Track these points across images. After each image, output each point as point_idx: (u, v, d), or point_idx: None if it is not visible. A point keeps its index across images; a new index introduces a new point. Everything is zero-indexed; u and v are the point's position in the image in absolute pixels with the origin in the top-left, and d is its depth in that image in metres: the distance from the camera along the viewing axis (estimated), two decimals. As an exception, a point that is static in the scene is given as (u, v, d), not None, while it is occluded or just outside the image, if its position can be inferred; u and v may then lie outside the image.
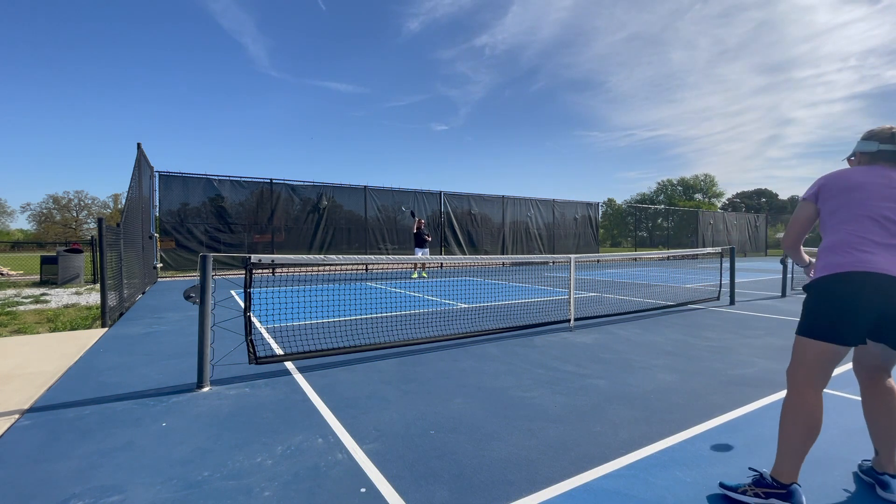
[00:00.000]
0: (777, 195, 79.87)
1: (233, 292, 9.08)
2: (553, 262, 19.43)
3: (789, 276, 9.22)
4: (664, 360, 4.15)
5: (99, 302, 6.50)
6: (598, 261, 19.84)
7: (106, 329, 5.60)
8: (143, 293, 9.30)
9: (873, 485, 2.05)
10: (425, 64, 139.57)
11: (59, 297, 9.06)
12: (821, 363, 1.88)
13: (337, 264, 4.77)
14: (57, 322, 6.17)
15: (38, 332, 5.56)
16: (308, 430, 2.67)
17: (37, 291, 10.18)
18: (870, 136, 2.03)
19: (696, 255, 24.77)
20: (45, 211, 61.85)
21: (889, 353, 1.97)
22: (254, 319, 4.74)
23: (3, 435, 2.63)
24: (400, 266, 17.40)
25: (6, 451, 2.44)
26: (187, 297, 3.48)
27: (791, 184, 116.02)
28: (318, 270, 11.14)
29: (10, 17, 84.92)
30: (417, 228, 12.93)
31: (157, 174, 12.63)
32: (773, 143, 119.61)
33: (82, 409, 3.01)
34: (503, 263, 18.68)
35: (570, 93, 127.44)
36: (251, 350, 3.63)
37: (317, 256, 4.37)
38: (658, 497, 1.98)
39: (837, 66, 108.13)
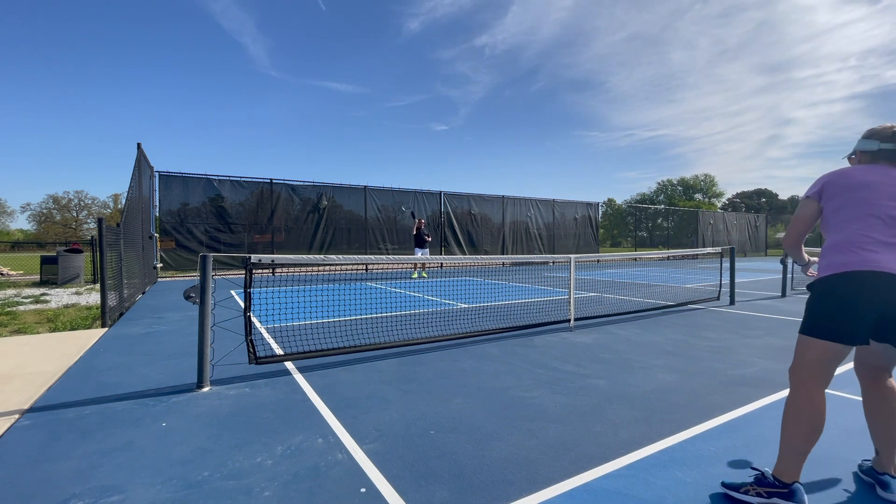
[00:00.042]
0: (777, 195, 79.89)
1: (233, 292, 9.08)
2: (553, 262, 19.43)
3: (789, 276, 9.21)
4: (664, 360, 4.15)
5: (99, 302, 6.50)
6: (598, 261, 19.84)
7: (106, 329, 5.60)
8: (143, 293, 9.30)
9: (873, 485, 2.05)
10: (425, 64, 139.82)
11: (59, 297, 9.06)
12: (824, 362, 1.88)
13: (337, 264, 4.77)
14: (57, 322, 6.17)
15: (38, 332, 5.56)
16: (308, 430, 2.67)
17: (37, 291, 10.18)
18: (871, 135, 2.03)
19: (696, 255, 24.77)
20: (45, 211, 61.86)
21: (892, 352, 1.96)
22: (254, 319, 4.74)
23: (3, 435, 2.63)
24: (400, 266, 17.39)
25: (6, 451, 2.44)
26: (187, 297, 3.48)
27: (791, 184, 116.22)
28: (318, 270, 11.14)
29: (10, 17, 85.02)
30: (417, 229, 12.93)
31: (157, 174, 12.63)
32: (773, 143, 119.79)
33: (82, 409, 3.01)
34: (503, 263, 18.68)
35: (570, 93, 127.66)
36: (251, 350, 3.63)
37: (317, 256, 4.37)
38: (658, 497, 1.98)
39: (837, 66, 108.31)
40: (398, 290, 9.63)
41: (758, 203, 76.99)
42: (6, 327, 5.90)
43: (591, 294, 8.96)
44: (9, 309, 7.40)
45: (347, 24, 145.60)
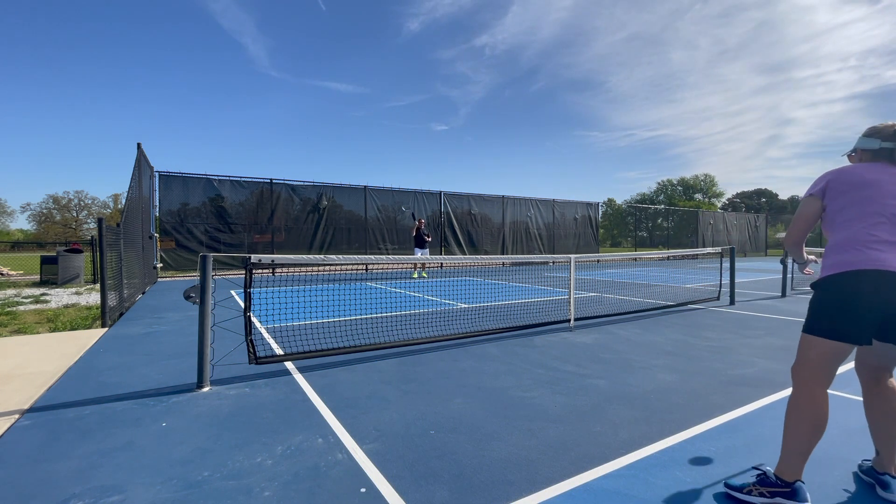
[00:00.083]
0: (777, 195, 79.89)
1: (233, 292, 9.08)
2: (553, 262, 19.43)
3: (789, 276, 9.21)
4: (664, 360, 4.15)
5: (99, 302, 6.50)
6: (598, 261, 19.84)
7: (106, 329, 5.60)
8: (143, 293, 9.30)
9: (873, 485, 2.04)
10: (425, 64, 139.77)
11: (59, 297, 9.06)
12: (827, 361, 1.87)
13: (337, 264, 4.77)
14: (57, 322, 6.17)
15: (38, 332, 5.56)
16: (308, 430, 2.67)
17: (37, 291, 10.18)
18: (872, 133, 2.01)
19: (696, 255, 24.77)
20: (45, 211, 61.87)
21: (893, 352, 1.96)
22: (254, 319, 4.74)
23: (3, 435, 2.63)
24: (400, 266, 17.39)
25: (6, 451, 2.44)
26: (187, 297, 3.48)
27: (791, 184, 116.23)
28: (318, 270, 11.14)
29: (10, 17, 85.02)
30: (417, 229, 12.94)
31: (157, 174, 12.63)
32: (773, 143, 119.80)
33: (82, 409, 3.01)
34: (503, 263, 18.68)
35: (570, 93, 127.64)
36: (251, 350, 3.63)
37: (317, 256, 4.37)
38: (658, 497, 1.98)
39: (837, 66, 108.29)
40: (398, 290, 9.63)
41: (758, 203, 77.00)
42: (6, 327, 5.90)
43: (591, 294, 8.96)
44: (9, 309, 7.40)
45: (347, 24, 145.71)
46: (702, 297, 8.20)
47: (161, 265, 12.67)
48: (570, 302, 5.69)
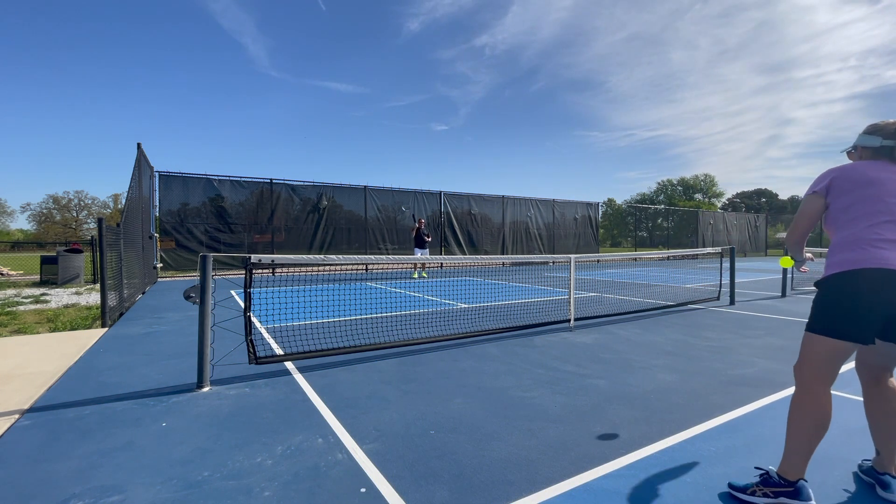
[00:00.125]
0: (777, 195, 79.88)
1: (233, 292, 9.08)
2: (553, 262, 19.43)
3: (789, 276, 9.21)
4: (664, 360, 4.15)
5: (99, 302, 6.50)
6: (598, 261, 19.84)
7: (106, 329, 5.60)
8: (143, 293, 9.30)
9: (873, 485, 2.04)
10: (425, 64, 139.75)
11: (59, 297, 9.06)
12: (830, 360, 1.86)
13: (337, 264, 4.77)
14: (57, 322, 6.17)
15: (38, 332, 5.56)
16: (308, 430, 2.67)
17: (37, 291, 10.18)
18: (873, 131, 1.98)
19: (696, 255, 24.77)
20: (45, 211, 61.86)
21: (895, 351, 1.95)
22: (254, 319, 4.74)
23: (3, 435, 2.63)
24: (400, 266, 17.40)
25: (6, 451, 2.44)
26: (187, 297, 3.48)
27: (791, 184, 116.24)
28: (318, 270, 11.15)
29: (10, 17, 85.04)
30: (417, 229, 12.94)
31: (157, 174, 12.63)
32: (773, 143, 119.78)
33: (82, 409, 3.01)
34: (503, 263, 18.68)
35: (570, 93, 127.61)
36: (251, 350, 3.63)
37: (317, 256, 4.37)
38: (658, 497, 1.98)
39: (837, 66, 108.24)
40: (398, 290, 9.63)
41: (758, 203, 76.99)
42: (6, 327, 5.90)
43: (591, 294, 8.96)
44: (9, 309, 7.40)
45: (347, 24, 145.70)
46: (702, 297, 8.20)
47: (161, 265, 12.67)
48: (570, 302, 5.69)
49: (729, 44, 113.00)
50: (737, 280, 11.06)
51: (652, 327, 5.70)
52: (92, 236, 15.81)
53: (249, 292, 3.69)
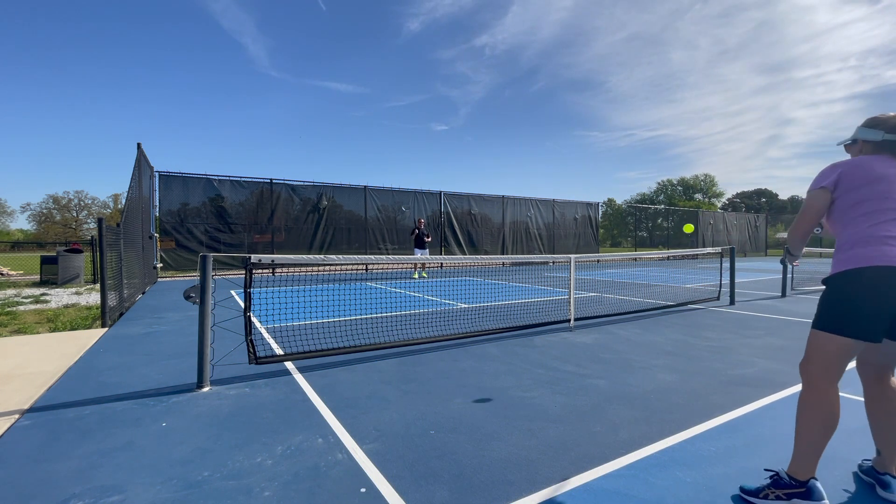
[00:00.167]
0: (777, 195, 79.90)
1: (233, 292, 9.08)
2: (553, 262, 19.43)
3: (789, 276, 9.21)
4: (664, 360, 4.15)
5: (99, 302, 6.50)
6: (598, 261, 19.84)
7: (106, 329, 5.60)
8: (143, 293, 9.30)
9: (873, 485, 2.04)
10: (425, 64, 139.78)
11: (59, 297, 9.06)
12: (837, 358, 1.84)
13: (337, 264, 4.77)
14: (57, 322, 6.17)
15: (38, 332, 5.56)
16: (308, 430, 2.67)
17: (37, 291, 10.18)
18: (875, 124, 1.95)
19: (696, 255, 24.77)
20: (45, 211, 61.86)
21: None
22: (254, 319, 4.74)
23: (3, 435, 2.63)
24: (400, 266, 17.40)
25: (6, 451, 2.44)
26: (187, 297, 3.48)
27: (791, 184, 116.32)
28: (318, 270, 11.15)
29: (10, 17, 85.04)
30: (417, 229, 12.94)
31: (157, 174, 12.63)
32: (773, 143, 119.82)
33: (82, 409, 3.01)
34: (503, 263, 18.68)
35: (570, 93, 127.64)
36: (251, 350, 3.63)
37: (317, 256, 4.37)
38: (658, 497, 1.98)
39: (837, 66, 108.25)
40: (398, 290, 9.63)
41: (758, 203, 77.00)
42: (6, 327, 5.90)
43: (591, 294, 8.95)
44: (9, 309, 7.40)
45: (347, 24, 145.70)
46: (702, 297, 8.20)
47: (161, 265, 12.67)
48: (570, 302, 5.69)
49: (729, 44, 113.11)
50: (737, 280, 11.06)
51: (652, 327, 5.70)
52: (92, 236, 15.81)
53: (249, 292, 3.69)
